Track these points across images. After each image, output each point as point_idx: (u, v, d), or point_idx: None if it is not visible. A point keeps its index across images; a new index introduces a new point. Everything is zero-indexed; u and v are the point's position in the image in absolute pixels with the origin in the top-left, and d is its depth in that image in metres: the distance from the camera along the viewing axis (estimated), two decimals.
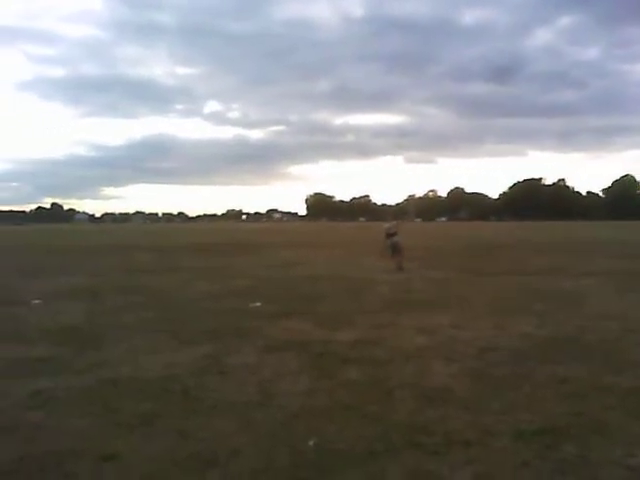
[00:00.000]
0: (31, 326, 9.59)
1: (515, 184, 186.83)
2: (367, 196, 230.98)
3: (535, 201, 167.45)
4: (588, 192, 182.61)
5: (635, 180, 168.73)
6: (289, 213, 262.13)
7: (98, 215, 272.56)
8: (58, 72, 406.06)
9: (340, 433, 4.78)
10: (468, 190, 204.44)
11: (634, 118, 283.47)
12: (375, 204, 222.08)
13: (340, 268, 19.64)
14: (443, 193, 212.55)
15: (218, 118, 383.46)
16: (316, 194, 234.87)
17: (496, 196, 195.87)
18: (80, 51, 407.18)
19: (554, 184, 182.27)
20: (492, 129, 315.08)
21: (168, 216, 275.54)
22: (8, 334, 8.93)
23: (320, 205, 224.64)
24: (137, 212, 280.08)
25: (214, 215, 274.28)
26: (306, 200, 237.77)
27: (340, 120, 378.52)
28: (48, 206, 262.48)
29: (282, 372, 6.62)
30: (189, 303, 11.99)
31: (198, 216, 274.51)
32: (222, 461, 4.29)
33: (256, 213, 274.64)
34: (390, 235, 18.90)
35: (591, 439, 4.63)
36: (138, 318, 10.16)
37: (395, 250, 18.54)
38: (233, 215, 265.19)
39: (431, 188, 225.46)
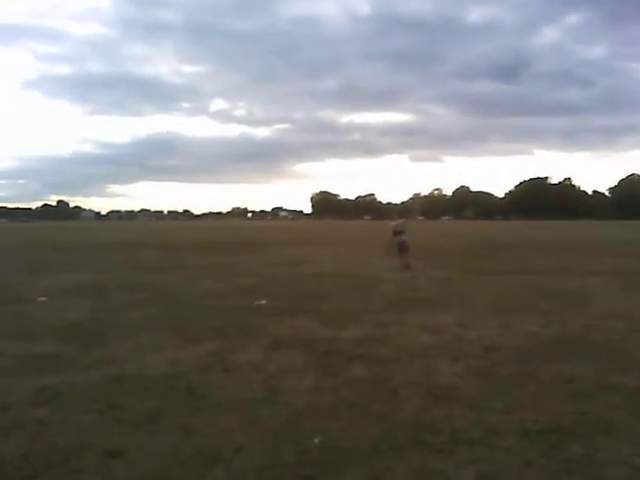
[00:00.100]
0: (37, 323, 9.62)
1: (521, 183, 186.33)
2: (372, 194, 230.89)
3: (541, 200, 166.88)
4: (594, 191, 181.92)
5: None
6: (294, 211, 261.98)
7: (104, 213, 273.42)
8: (64, 70, 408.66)
9: (345, 431, 4.77)
10: (474, 189, 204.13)
11: None
12: (380, 203, 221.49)
13: (345, 266, 19.63)
14: (449, 192, 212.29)
15: (224, 116, 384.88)
16: (321, 192, 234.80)
17: (502, 195, 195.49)
18: (86, 49, 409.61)
19: (560, 183, 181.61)
20: (498, 128, 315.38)
21: (174, 214, 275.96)
22: (14, 331, 8.96)
23: (325, 203, 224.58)
24: (143, 210, 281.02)
25: (219, 213, 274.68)
26: (311, 198, 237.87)
27: (346, 118, 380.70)
28: (54, 203, 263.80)
29: (287, 370, 6.62)
30: (194, 301, 12.00)
31: (203, 214, 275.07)
32: (227, 458, 4.29)
33: (261, 211, 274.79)
34: (397, 233, 18.87)
35: (597, 438, 4.61)
36: (143, 315, 10.18)
37: (402, 248, 18.52)
38: (238, 213, 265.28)
39: (436, 187, 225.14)
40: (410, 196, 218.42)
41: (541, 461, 4.22)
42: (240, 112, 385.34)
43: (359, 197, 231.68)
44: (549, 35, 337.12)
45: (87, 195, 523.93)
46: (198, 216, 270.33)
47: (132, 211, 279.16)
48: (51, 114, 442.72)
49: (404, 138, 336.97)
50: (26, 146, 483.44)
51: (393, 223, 19.87)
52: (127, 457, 4.33)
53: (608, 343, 7.93)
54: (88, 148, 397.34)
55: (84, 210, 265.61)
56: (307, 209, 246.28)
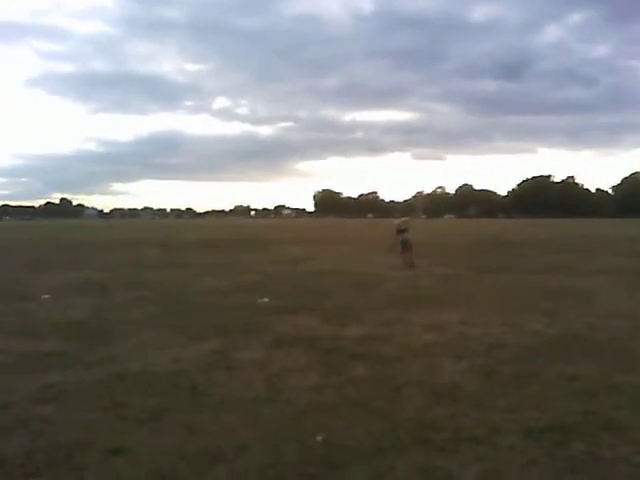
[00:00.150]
0: (41, 321, 9.64)
1: (524, 181, 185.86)
2: (375, 192, 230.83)
3: (544, 198, 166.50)
4: (597, 189, 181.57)
5: None
6: (297, 209, 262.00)
7: (107, 211, 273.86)
8: (67, 68, 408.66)
9: (348, 429, 4.77)
10: (476, 187, 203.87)
11: None
12: (383, 201, 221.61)
13: (348, 264, 19.63)
14: (451, 190, 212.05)
15: (227, 114, 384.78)
16: (324, 190, 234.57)
17: (505, 193, 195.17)
18: (90, 47, 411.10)
19: (563, 181, 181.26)
20: (501, 126, 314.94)
21: (176, 212, 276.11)
22: (18, 329, 8.97)
23: (328, 201, 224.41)
24: (145, 208, 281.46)
25: (222, 211, 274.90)
26: (314, 196, 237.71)
27: (349, 116, 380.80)
28: (57, 201, 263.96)
29: (290, 368, 6.62)
30: (197, 298, 12.00)
31: (206, 212, 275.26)
32: (230, 456, 4.29)
33: (264, 209, 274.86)
34: (401, 231, 18.85)
35: (601, 437, 4.60)
36: (146, 313, 10.19)
37: (405, 247, 18.51)
38: (241, 211, 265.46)
39: (439, 185, 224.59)
40: (413, 194, 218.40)
41: (545, 459, 4.21)
42: (243, 110, 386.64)
43: (362, 195, 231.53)
44: (552, 33, 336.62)
45: (90, 193, 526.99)
46: (201, 214, 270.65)
47: (135, 209, 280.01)
48: (54, 112, 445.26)
49: (407, 136, 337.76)
50: (29, 144, 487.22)
51: (397, 221, 19.84)
52: (130, 455, 4.33)
53: (612, 342, 7.92)
54: (91, 146, 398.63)
55: (87, 208, 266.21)
56: (310, 207, 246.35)
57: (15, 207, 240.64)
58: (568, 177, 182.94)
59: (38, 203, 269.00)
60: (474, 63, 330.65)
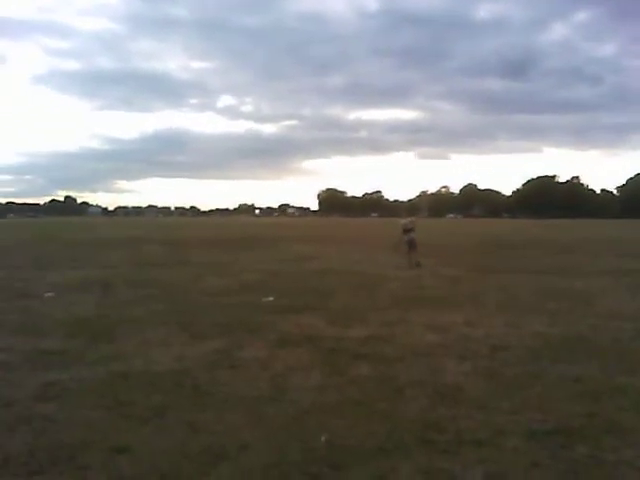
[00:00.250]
0: (44, 318, 9.65)
1: (528, 181, 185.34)
2: (379, 192, 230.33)
3: (548, 198, 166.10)
4: (602, 190, 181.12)
5: None
6: (301, 208, 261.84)
7: (111, 208, 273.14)
8: (73, 65, 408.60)
9: (351, 430, 4.77)
10: (481, 187, 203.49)
11: None
12: (387, 200, 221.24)
13: (352, 263, 19.62)
14: (456, 189, 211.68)
15: (231, 112, 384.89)
16: (328, 189, 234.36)
17: (509, 193, 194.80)
18: (95, 45, 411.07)
19: (568, 182, 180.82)
20: (506, 125, 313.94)
21: (181, 210, 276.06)
22: (21, 326, 9.00)
23: (332, 200, 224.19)
24: (150, 206, 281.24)
25: (226, 209, 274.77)
26: (318, 195, 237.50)
27: (353, 115, 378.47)
28: (61, 199, 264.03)
29: (293, 367, 6.63)
30: (201, 297, 12.01)
31: (210, 210, 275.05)
32: (233, 455, 4.30)
33: (268, 208, 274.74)
34: (407, 231, 18.84)
35: (604, 440, 4.60)
36: (150, 311, 10.20)
37: (411, 246, 18.50)
38: (245, 209, 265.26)
39: (444, 184, 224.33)
40: (417, 194, 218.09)
41: (548, 462, 4.21)
42: (248, 108, 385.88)
43: (366, 194, 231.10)
44: (558, 32, 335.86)
45: (94, 191, 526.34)
46: (205, 212, 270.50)
47: (139, 207, 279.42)
48: (59, 109, 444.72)
49: (411, 135, 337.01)
50: (34, 141, 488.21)
51: (403, 221, 19.79)
52: (133, 453, 4.34)
53: (615, 344, 7.90)
54: (96, 144, 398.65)
55: (91, 206, 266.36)
56: (314, 206, 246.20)
57: (19, 204, 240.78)
58: (573, 177, 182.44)
59: (42, 200, 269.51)
60: (479, 61, 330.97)
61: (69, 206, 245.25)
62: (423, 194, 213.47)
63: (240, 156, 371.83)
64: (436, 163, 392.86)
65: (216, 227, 68.83)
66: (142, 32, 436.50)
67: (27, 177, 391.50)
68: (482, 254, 24.80)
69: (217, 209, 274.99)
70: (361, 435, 4.66)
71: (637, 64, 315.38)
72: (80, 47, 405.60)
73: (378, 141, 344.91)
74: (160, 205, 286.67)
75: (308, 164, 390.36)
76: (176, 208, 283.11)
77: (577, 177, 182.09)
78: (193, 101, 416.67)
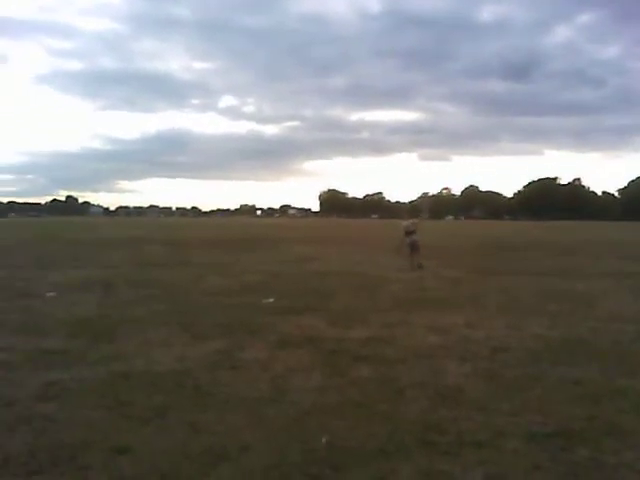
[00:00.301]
0: (45, 318, 9.66)
1: (530, 183, 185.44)
2: (380, 193, 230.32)
3: (550, 200, 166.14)
4: (603, 192, 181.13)
5: None
6: (302, 209, 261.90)
7: (112, 208, 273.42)
8: (76, 65, 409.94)
9: (352, 431, 4.77)
10: (482, 188, 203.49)
11: None
12: (388, 201, 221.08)
13: (353, 265, 19.62)
14: (457, 191, 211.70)
15: (233, 113, 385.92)
16: (329, 190, 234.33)
17: (510, 195, 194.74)
18: (98, 45, 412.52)
19: (569, 184, 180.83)
20: (508, 127, 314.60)
21: (182, 210, 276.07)
22: (23, 326, 9.01)
23: (333, 201, 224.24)
24: (151, 206, 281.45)
25: (227, 210, 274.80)
26: (319, 196, 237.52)
27: (355, 116, 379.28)
28: (63, 199, 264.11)
29: (294, 368, 6.63)
30: (202, 297, 12.02)
31: (212, 211, 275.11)
32: (234, 456, 4.30)
33: (269, 209, 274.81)
34: (409, 233, 18.81)
35: (604, 442, 4.60)
36: (151, 311, 10.21)
37: (413, 248, 18.48)
38: (247, 210, 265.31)
39: (445, 186, 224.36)
40: (418, 195, 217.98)
41: (548, 464, 4.21)
42: (249, 109, 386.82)
43: (367, 196, 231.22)
44: (561, 34, 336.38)
45: (96, 191, 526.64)
46: (206, 213, 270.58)
47: (141, 207, 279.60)
48: (62, 109, 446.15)
49: (413, 137, 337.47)
50: (36, 141, 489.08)
51: (405, 223, 19.71)
52: (134, 454, 4.34)
53: (615, 346, 7.90)
54: (98, 144, 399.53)
55: (93, 206, 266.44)
56: (315, 207, 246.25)
57: (21, 204, 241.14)
58: (575, 179, 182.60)
59: (44, 200, 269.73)
60: (482, 63, 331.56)
61: (70, 206, 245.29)
62: (424, 196, 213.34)
63: (241, 157, 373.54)
64: (438, 165, 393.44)
65: (217, 228, 68.86)
66: (145, 32, 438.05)
67: (29, 176, 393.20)
68: (483, 256, 24.79)
69: (218, 210, 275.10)
70: (362, 436, 4.66)
71: None
72: (83, 47, 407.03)
73: (380, 142, 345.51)
74: (161, 205, 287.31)
75: (309, 165, 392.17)
76: (177, 208, 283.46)
77: (578, 179, 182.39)
78: (195, 101, 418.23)
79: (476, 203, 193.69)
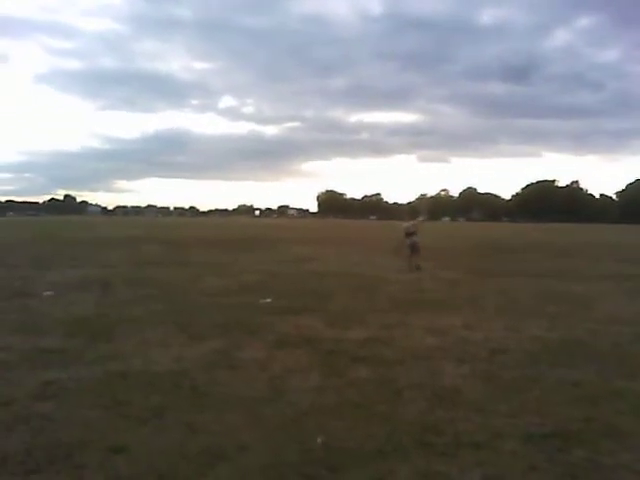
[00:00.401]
0: (43, 317, 9.64)
1: (528, 185, 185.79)
2: (378, 194, 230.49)
3: (548, 203, 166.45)
4: (601, 195, 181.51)
5: None
6: (301, 210, 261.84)
7: (110, 208, 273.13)
8: (76, 65, 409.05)
9: (349, 432, 4.77)
10: (481, 190, 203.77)
11: None
12: (386, 203, 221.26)
13: (351, 265, 19.62)
14: (455, 193, 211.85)
15: (233, 113, 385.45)
16: (328, 191, 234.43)
17: (509, 197, 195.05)
18: (98, 45, 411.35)
19: (567, 186, 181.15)
20: (507, 129, 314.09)
21: (180, 210, 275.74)
22: (21, 325, 8.98)
23: (331, 202, 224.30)
24: (149, 205, 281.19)
25: (225, 210, 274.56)
26: (317, 197, 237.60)
27: (355, 118, 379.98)
28: (61, 198, 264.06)
29: (292, 369, 6.62)
30: (199, 297, 12.01)
31: (210, 211, 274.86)
32: (231, 456, 4.29)
33: (267, 209, 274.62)
34: (409, 235, 18.79)
35: (602, 443, 4.60)
36: (148, 311, 10.20)
37: (413, 250, 18.47)
38: (244, 210, 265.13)
39: (443, 187, 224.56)
40: (417, 196, 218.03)
41: (545, 465, 4.22)
42: (249, 110, 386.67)
43: (365, 197, 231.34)
44: (561, 37, 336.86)
45: (94, 190, 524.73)
46: (204, 213, 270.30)
47: (139, 207, 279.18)
48: (61, 109, 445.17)
49: (412, 138, 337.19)
50: (35, 140, 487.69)
51: (405, 224, 19.64)
52: (131, 453, 4.33)
53: (614, 348, 7.91)
54: (97, 143, 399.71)
55: (91, 205, 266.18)
56: (313, 208, 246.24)
57: (19, 203, 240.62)
58: (573, 182, 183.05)
59: (42, 199, 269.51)
60: (482, 66, 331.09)
61: (68, 205, 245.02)
62: (422, 197, 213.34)
63: (240, 157, 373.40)
64: (437, 166, 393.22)
65: (215, 228, 68.82)
66: (145, 33, 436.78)
67: (27, 175, 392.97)
68: (481, 257, 24.82)
69: (216, 210, 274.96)
70: (359, 437, 4.66)
71: (639, 70, 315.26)
72: (83, 47, 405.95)
73: (379, 144, 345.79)
74: (159, 205, 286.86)
75: (308, 166, 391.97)
76: (175, 208, 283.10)
77: (577, 182, 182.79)
78: (195, 102, 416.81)
79: (474, 205, 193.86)
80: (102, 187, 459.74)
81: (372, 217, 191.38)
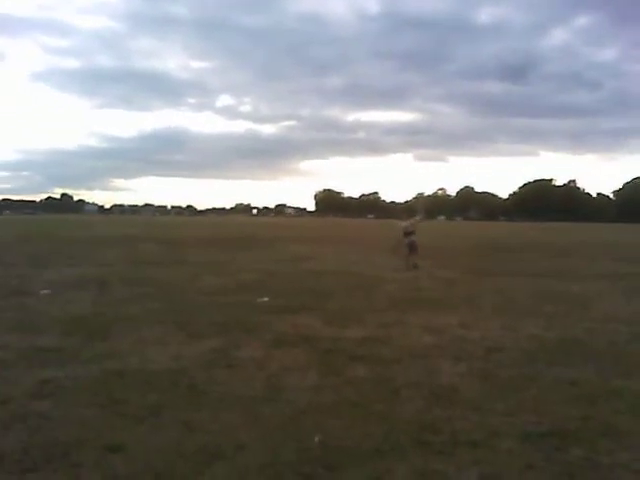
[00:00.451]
0: (40, 316, 9.63)
1: (525, 184, 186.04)
2: (376, 193, 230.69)
3: (545, 202, 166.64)
4: (599, 194, 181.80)
5: None
6: (298, 208, 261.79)
7: (107, 206, 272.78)
8: (72, 63, 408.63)
9: (347, 430, 4.77)
10: (478, 189, 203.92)
11: None
12: (384, 201, 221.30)
13: (349, 264, 19.62)
14: (453, 192, 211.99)
15: (230, 112, 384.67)
16: (325, 190, 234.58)
17: (506, 196, 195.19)
18: (95, 43, 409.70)
19: (565, 185, 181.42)
20: (504, 128, 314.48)
21: (177, 209, 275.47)
22: (18, 324, 8.97)
23: (329, 201, 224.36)
24: (146, 204, 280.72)
25: (223, 209, 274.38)
26: (315, 196, 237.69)
27: (352, 117, 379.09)
28: (58, 196, 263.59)
29: (290, 367, 6.62)
30: (197, 296, 12.00)
31: (207, 209, 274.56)
32: (228, 454, 4.29)
33: (265, 208, 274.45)
34: (408, 234, 18.78)
35: (599, 442, 4.60)
36: (146, 310, 10.19)
37: (412, 249, 18.47)
38: (242, 209, 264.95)
39: (440, 186, 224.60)
40: (414, 195, 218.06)
41: (542, 464, 4.21)
42: (246, 108, 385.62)
43: (363, 195, 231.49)
44: (558, 37, 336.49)
45: (91, 189, 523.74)
46: (202, 212, 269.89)
47: (136, 206, 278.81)
48: (58, 107, 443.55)
49: (410, 137, 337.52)
50: (32, 138, 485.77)
51: (404, 223, 19.61)
52: (127, 452, 4.32)
53: (611, 346, 7.92)
54: (94, 142, 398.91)
55: (88, 203, 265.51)
56: (310, 206, 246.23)
57: (16, 201, 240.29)
58: (570, 181, 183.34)
59: (39, 197, 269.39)
60: (479, 65, 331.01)
61: (65, 203, 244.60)
62: (420, 196, 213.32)
63: (238, 156, 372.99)
64: (434, 165, 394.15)
65: (213, 226, 68.77)
66: (142, 31, 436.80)
67: (24, 174, 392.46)
68: (478, 257, 24.83)
69: (214, 208, 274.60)
70: (357, 436, 4.65)
71: (637, 69, 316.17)
72: (80, 45, 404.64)
73: (376, 142, 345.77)
74: (157, 204, 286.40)
75: (306, 164, 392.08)
76: (173, 207, 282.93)
77: (574, 181, 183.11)
78: (192, 100, 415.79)
79: (471, 204, 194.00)
80: (99, 186, 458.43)
81: (370, 216, 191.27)
